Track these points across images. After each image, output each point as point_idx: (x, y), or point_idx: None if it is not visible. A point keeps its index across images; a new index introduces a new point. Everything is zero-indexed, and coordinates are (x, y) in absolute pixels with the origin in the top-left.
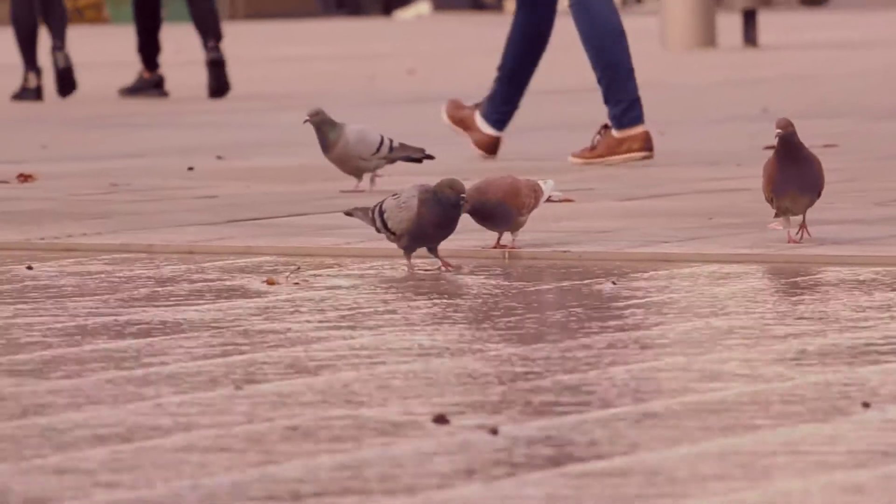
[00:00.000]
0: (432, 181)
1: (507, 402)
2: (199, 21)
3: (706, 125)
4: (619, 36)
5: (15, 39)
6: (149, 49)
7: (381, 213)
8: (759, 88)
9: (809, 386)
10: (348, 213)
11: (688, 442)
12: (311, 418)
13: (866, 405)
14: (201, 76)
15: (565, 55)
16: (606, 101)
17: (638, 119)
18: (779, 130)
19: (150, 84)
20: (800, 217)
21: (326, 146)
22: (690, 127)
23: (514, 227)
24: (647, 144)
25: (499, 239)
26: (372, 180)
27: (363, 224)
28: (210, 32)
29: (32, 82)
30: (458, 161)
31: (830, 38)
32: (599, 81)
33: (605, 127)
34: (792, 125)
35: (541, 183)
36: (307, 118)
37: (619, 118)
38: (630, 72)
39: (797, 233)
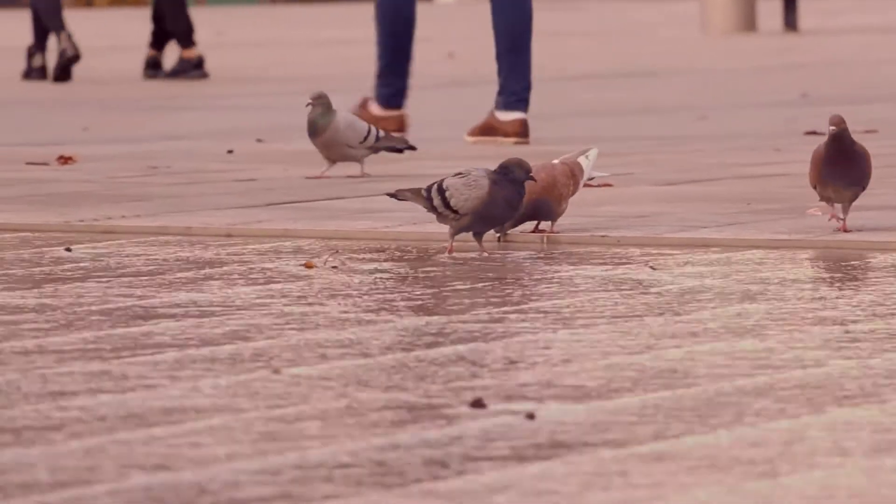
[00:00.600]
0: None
1: (547, 387)
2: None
3: (745, 110)
4: (407, 23)
5: (42, 15)
6: (182, 27)
7: (442, 190)
8: (799, 73)
9: (850, 371)
10: (393, 196)
11: (727, 426)
12: (348, 401)
13: None
14: (243, 58)
15: (589, 42)
16: (379, 79)
17: (400, 106)
18: (832, 127)
19: (191, 65)
20: (845, 205)
21: (315, 131)
22: (730, 111)
23: (555, 217)
24: (401, 126)
25: (538, 224)
26: (362, 167)
27: (399, 208)
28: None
29: (38, 62)
30: (488, 150)
31: (871, 23)
32: (380, 59)
33: (366, 99)
34: (844, 122)
35: (581, 159)
36: (310, 101)
37: (386, 98)
38: (409, 59)
39: (840, 220)
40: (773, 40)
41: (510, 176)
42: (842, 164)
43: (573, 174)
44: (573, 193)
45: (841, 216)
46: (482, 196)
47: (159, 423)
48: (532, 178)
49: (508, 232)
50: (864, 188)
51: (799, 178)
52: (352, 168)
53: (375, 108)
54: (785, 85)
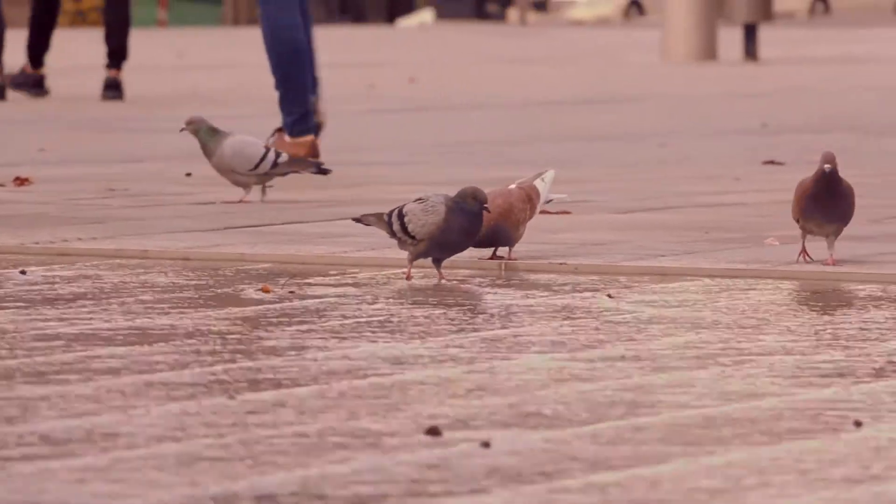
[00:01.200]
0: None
1: (503, 415)
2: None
3: (705, 138)
4: (297, 52)
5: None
6: (39, 46)
7: (402, 216)
8: (759, 102)
9: (801, 402)
10: (358, 220)
11: (680, 457)
12: (304, 428)
13: (858, 424)
14: (204, 81)
15: (568, 68)
16: (281, 108)
17: (308, 131)
18: (827, 166)
19: (32, 81)
20: (831, 239)
21: (207, 153)
22: (689, 139)
23: (512, 243)
24: (314, 152)
25: (495, 250)
26: (263, 192)
27: (359, 233)
28: (115, 54)
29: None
30: (458, 170)
31: (830, 53)
32: (276, 88)
33: (279, 130)
34: (835, 160)
35: (537, 182)
36: (183, 126)
37: (290, 127)
38: (304, 86)
39: (826, 260)
40: (734, 69)
41: (461, 205)
42: (827, 201)
43: (530, 198)
44: (530, 218)
45: (828, 251)
46: (438, 222)
47: (116, 448)
48: (486, 209)
49: (452, 260)
50: (846, 224)
51: (757, 208)
52: (245, 192)
53: (286, 136)
54: (745, 114)
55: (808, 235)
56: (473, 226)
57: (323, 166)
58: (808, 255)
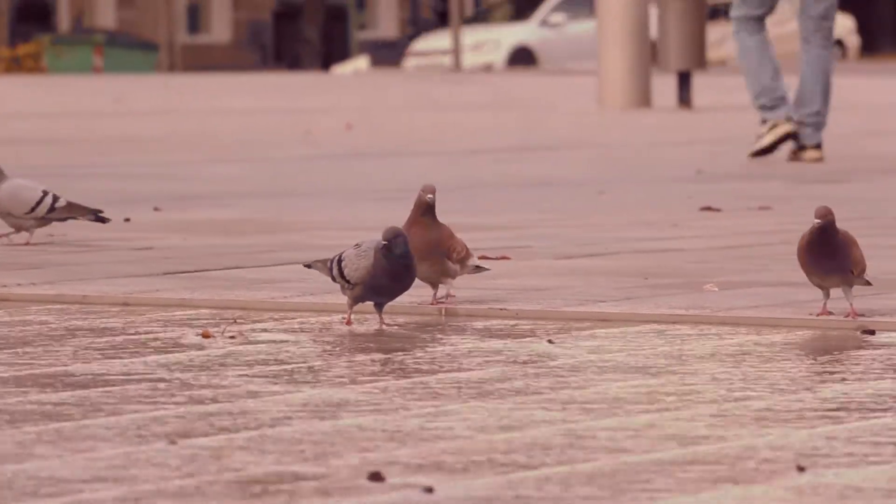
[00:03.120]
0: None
1: (444, 460)
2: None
3: (642, 185)
4: None
5: None
6: None
7: (340, 262)
8: (694, 149)
9: (741, 448)
10: (308, 266)
11: (620, 502)
12: (245, 473)
13: (801, 469)
14: (140, 126)
15: (497, 116)
16: None
17: None
18: (818, 220)
19: None
20: (846, 289)
21: None
22: (627, 186)
23: (447, 274)
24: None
25: (435, 294)
26: (30, 235)
27: (300, 278)
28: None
29: None
30: (396, 216)
31: None
32: None
33: None
34: (831, 213)
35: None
36: None
37: None
38: None
39: (848, 313)
40: (668, 116)
41: (380, 248)
42: (823, 254)
43: (465, 247)
44: (465, 259)
45: (848, 303)
46: (368, 267)
47: (57, 495)
48: (386, 245)
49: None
50: (850, 272)
51: (695, 254)
52: (13, 233)
53: None
54: (680, 161)
55: (827, 291)
56: (396, 268)
57: (101, 214)
58: (827, 311)
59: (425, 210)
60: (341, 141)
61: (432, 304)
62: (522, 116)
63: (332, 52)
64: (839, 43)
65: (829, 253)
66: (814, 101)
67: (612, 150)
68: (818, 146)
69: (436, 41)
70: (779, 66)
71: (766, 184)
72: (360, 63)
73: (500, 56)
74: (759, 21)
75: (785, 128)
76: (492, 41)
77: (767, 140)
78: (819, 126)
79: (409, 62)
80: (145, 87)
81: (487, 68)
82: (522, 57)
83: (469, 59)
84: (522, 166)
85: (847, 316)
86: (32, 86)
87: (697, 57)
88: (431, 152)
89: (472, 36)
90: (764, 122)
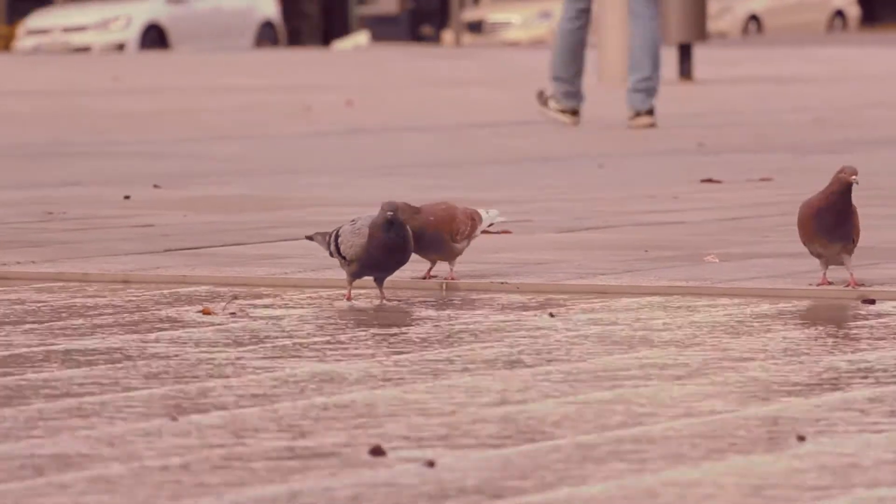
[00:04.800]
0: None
1: (447, 435)
2: None
3: (643, 158)
4: None
5: None
6: None
7: (336, 237)
8: (695, 122)
9: (741, 419)
10: (309, 238)
11: (622, 475)
12: (247, 449)
13: (801, 438)
14: (140, 104)
15: (494, 90)
16: None
17: None
18: (854, 177)
19: None
20: (847, 260)
21: None
22: (627, 160)
23: (450, 255)
24: None
25: (430, 269)
26: None
27: (300, 254)
28: None
29: None
30: (396, 193)
31: (765, 73)
32: None
33: None
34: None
35: (482, 212)
36: None
37: None
38: None
39: (848, 282)
40: (669, 90)
41: (376, 221)
42: (832, 220)
43: (472, 218)
44: (471, 236)
45: (852, 276)
46: (363, 243)
47: (58, 471)
48: (389, 216)
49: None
50: (852, 240)
51: (696, 226)
52: None
53: None
54: (681, 134)
55: (825, 261)
56: (394, 241)
57: None
58: (854, 282)
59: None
60: (342, 117)
61: (425, 277)
62: (522, 91)
63: (332, 27)
64: (839, 14)
65: (843, 218)
66: (643, 67)
67: (612, 123)
68: (650, 112)
69: (55, 18)
70: (583, 67)
71: (767, 156)
72: (361, 39)
73: (132, 34)
74: (584, 12)
75: (565, 117)
76: (123, 17)
77: (552, 114)
78: (650, 91)
79: (26, 42)
80: (144, 63)
81: (119, 48)
82: (153, 36)
83: (94, 38)
84: (522, 141)
85: (847, 286)
86: (30, 63)
87: (698, 29)
88: (431, 128)
89: (99, 12)
90: (556, 99)
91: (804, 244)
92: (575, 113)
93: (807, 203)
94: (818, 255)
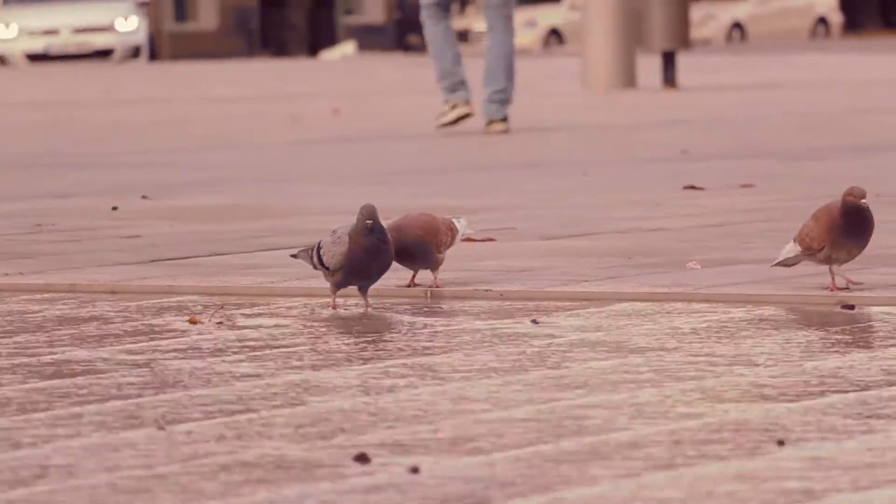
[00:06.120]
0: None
1: (430, 441)
2: None
3: (626, 165)
4: None
5: None
6: None
7: (318, 250)
8: (678, 129)
9: (721, 424)
10: (294, 256)
11: (605, 479)
12: (232, 458)
13: (781, 443)
14: (128, 115)
15: None
16: None
17: None
18: (864, 201)
19: None
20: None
21: None
22: (611, 167)
23: (433, 265)
24: None
25: (413, 277)
26: None
27: (286, 264)
28: None
29: None
30: (383, 201)
31: (748, 80)
32: None
33: None
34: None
35: (454, 221)
36: None
37: None
38: None
39: (845, 283)
40: (653, 97)
41: (355, 228)
42: (857, 229)
43: (451, 228)
44: (450, 246)
45: (840, 283)
46: (344, 252)
47: (45, 482)
48: (369, 224)
49: (375, 287)
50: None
51: (679, 233)
52: None
53: None
54: (665, 141)
55: (835, 266)
56: (374, 247)
57: None
58: (837, 285)
59: None
60: (328, 126)
61: (409, 286)
62: None
63: (318, 37)
64: (822, 21)
65: (862, 229)
66: (497, 80)
67: (596, 130)
68: (504, 119)
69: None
70: (459, 52)
71: (750, 162)
72: (347, 48)
73: (531, 37)
74: (444, 9)
75: (463, 109)
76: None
77: (449, 118)
78: (504, 102)
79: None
80: (133, 75)
81: (523, 50)
82: (552, 39)
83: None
84: (506, 149)
85: (848, 284)
86: (20, 74)
87: (682, 36)
88: (418, 136)
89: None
90: (446, 101)
91: (820, 249)
92: (466, 103)
93: (827, 210)
94: (834, 261)
